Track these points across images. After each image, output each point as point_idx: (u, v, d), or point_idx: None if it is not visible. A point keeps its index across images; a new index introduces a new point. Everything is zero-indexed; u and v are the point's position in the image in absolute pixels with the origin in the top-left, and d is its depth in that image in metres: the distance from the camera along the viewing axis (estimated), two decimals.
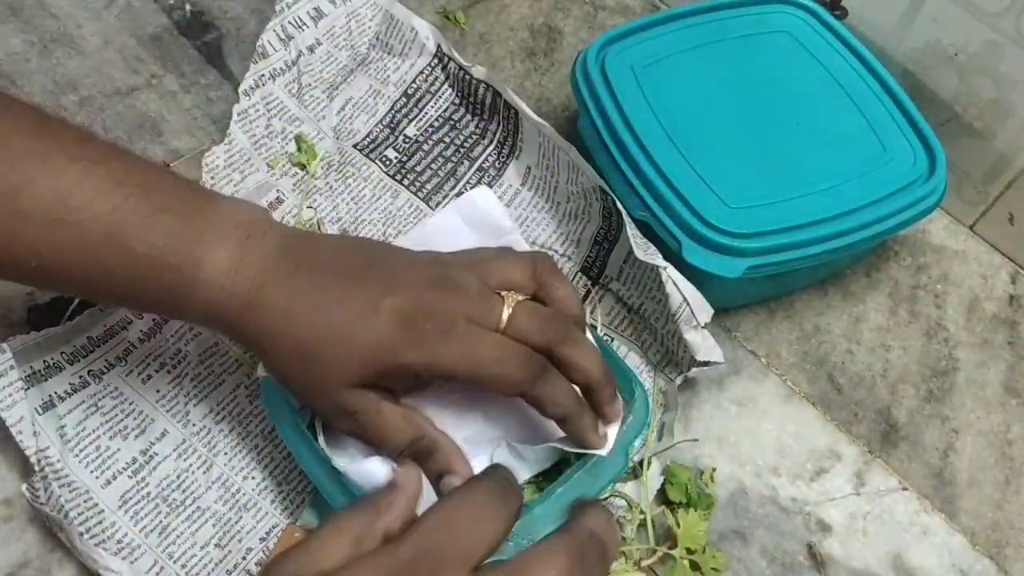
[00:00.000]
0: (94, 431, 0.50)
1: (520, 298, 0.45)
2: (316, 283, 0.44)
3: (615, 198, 0.54)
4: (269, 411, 0.48)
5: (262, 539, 0.49)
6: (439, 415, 0.47)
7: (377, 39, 0.67)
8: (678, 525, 0.49)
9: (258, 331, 0.43)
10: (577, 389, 0.45)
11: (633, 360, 0.56)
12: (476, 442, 0.47)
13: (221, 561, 0.48)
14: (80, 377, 0.51)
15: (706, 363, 0.51)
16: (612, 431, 0.46)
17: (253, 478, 0.51)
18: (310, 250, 0.45)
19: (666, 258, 0.52)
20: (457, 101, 0.65)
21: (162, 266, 0.42)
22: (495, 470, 0.31)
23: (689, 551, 0.49)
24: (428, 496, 0.41)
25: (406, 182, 0.62)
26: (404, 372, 0.43)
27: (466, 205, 0.55)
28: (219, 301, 0.43)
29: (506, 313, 0.44)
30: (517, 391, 0.43)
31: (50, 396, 0.50)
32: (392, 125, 0.65)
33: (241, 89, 0.63)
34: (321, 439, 0.47)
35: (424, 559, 0.28)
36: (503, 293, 0.45)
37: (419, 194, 0.62)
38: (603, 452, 0.45)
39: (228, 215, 0.44)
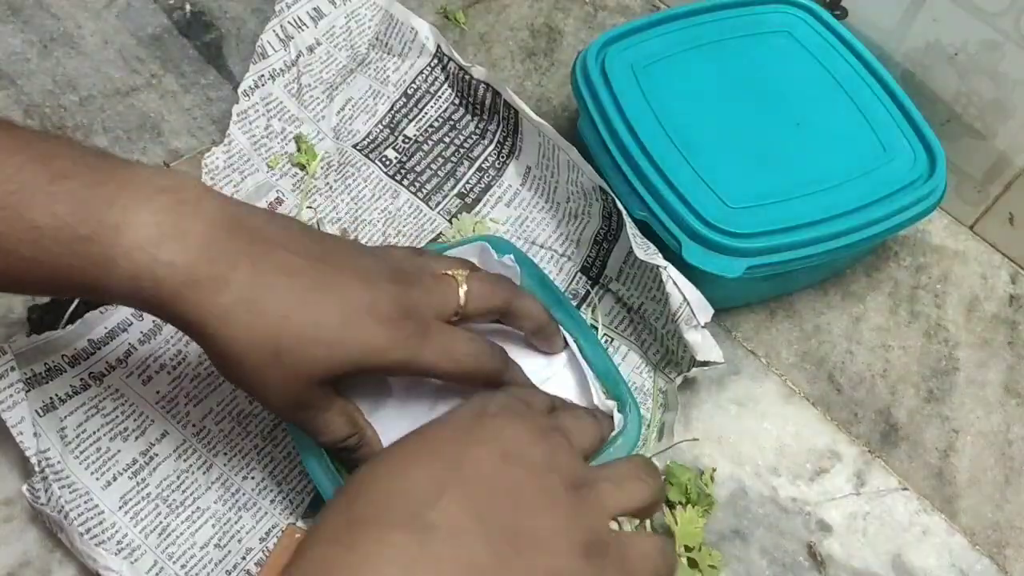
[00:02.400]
0: (94, 433, 0.50)
1: (466, 272, 0.46)
2: (283, 266, 0.40)
3: (615, 198, 0.54)
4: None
5: (262, 539, 0.49)
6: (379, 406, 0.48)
7: (377, 39, 0.67)
8: (676, 523, 0.49)
9: (210, 313, 0.39)
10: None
11: (633, 360, 0.56)
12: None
13: (221, 561, 0.48)
14: (81, 379, 0.51)
15: (706, 363, 0.51)
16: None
17: (253, 478, 0.51)
18: (262, 222, 0.41)
19: (666, 258, 0.52)
20: (457, 101, 0.65)
21: (70, 238, 0.37)
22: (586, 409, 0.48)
23: (687, 548, 0.49)
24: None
25: (406, 182, 0.62)
26: (380, 372, 0.43)
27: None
28: (150, 274, 0.38)
29: (463, 290, 0.45)
30: (490, 382, 0.46)
31: (51, 398, 0.50)
32: (392, 125, 0.65)
33: (241, 89, 0.63)
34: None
35: (559, 429, 0.40)
36: (450, 272, 0.46)
37: (419, 194, 0.62)
38: None
39: (149, 179, 0.39)
